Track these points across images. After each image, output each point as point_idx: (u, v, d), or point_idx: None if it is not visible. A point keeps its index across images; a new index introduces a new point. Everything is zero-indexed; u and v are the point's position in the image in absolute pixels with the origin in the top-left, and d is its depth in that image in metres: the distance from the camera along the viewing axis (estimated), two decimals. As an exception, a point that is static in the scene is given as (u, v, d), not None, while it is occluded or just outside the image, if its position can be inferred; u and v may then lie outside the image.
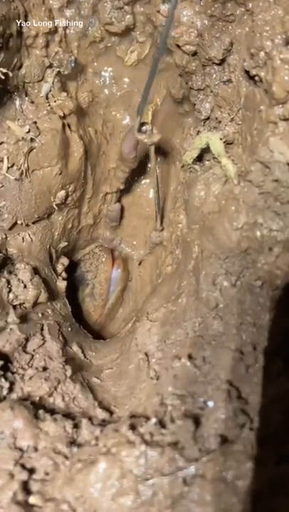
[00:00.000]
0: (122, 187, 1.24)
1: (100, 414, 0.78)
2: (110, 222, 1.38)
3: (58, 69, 1.07)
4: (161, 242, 1.25)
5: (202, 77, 1.01)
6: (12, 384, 0.78)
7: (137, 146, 1.03)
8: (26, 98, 1.04)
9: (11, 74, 0.96)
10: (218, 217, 0.92)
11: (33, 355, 0.87)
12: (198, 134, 1.08)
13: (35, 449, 0.67)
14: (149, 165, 1.29)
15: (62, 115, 1.07)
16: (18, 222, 1.08)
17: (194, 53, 0.99)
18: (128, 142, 1.03)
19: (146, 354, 0.90)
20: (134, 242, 1.45)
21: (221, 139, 0.97)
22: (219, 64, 0.95)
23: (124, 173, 1.17)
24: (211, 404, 0.69)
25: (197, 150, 1.03)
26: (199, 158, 1.08)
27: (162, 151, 1.23)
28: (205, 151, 1.04)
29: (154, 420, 0.68)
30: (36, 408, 0.73)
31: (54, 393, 0.81)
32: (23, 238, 1.10)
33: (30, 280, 0.99)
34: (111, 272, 1.39)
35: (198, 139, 1.02)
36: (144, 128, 0.95)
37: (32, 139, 1.01)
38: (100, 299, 1.39)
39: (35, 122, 1.03)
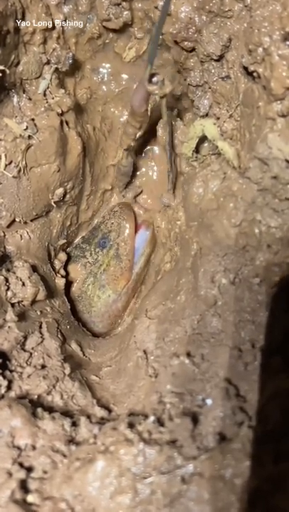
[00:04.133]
0: (132, 144, 1.17)
1: (99, 412, 0.78)
2: (122, 179, 1.31)
3: (55, 66, 1.06)
4: (170, 204, 1.20)
5: (200, 73, 1.01)
6: (10, 382, 0.78)
7: (148, 98, 0.96)
8: (24, 95, 1.04)
9: (8, 71, 0.95)
10: (217, 215, 0.92)
11: (31, 353, 0.87)
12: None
13: (34, 448, 0.67)
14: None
15: (60, 112, 1.06)
16: (17, 219, 1.07)
17: (192, 49, 0.99)
18: (138, 95, 0.95)
19: (144, 352, 0.90)
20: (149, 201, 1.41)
21: (214, 124, 0.96)
22: (218, 60, 0.95)
23: (135, 128, 1.09)
24: (209, 402, 0.69)
25: (194, 140, 1.03)
26: (198, 150, 1.07)
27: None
28: (202, 142, 1.03)
29: (152, 418, 0.68)
30: (34, 406, 0.73)
31: (52, 391, 0.81)
32: (21, 236, 1.10)
33: (29, 278, 0.99)
34: (134, 228, 1.31)
35: (193, 128, 1.01)
36: (154, 79, 0.88)
37: (30, 136, 1.01)
38: (127, 259, 1.30)
39: (32, 119, 1.03)
